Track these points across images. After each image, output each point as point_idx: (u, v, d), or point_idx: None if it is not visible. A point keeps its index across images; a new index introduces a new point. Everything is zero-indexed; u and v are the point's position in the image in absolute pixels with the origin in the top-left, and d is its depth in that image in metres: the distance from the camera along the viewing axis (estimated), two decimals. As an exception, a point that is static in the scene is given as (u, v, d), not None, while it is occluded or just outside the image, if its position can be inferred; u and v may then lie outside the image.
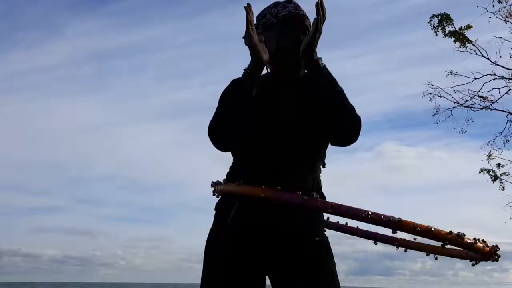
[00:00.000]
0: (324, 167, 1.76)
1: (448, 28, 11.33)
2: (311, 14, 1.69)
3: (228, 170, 1.76)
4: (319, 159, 1.75)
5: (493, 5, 11.19)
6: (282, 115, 1.68)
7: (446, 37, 11.39)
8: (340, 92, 1.65)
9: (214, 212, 1.75)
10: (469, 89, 11.97)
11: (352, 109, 1.66)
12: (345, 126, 1.65)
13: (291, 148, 1.66)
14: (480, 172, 12.28)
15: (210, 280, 1.66)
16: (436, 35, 11.37)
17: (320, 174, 1.76)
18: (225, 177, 1.74)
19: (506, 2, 11.22)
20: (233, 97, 1.64)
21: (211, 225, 1.74)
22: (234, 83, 1.66)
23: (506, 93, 11.81)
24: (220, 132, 1.66)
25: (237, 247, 1.64)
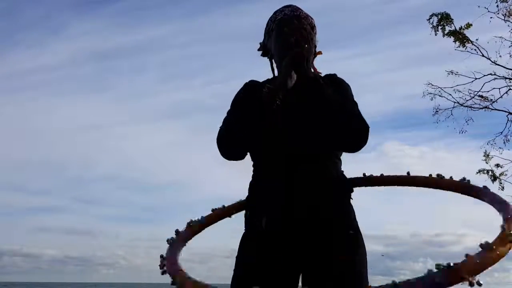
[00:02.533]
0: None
1: (448, 28, 11.33)
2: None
3: (248, 186, 1.78)
4: (334, 154, 1.76)
5: (497, 5, 11.18)
6: (291, 117, 1.69)
7: (446, 37, 11.38)
8: (341, 109, 1.65)
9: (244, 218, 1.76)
10: (469, 89, 11.97)
11: (356, 124, 1.66)
12: (349, 139, 1.67)
13: (305, 147, 1.68)
14: (477, 173, 12.27)
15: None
16: (436, 35, 11.37)
17: (341, 168, 1.78)
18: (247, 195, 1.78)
19: (507, 2, 11.22)
20: (250, 112, 1.65)
21: (244, 232, 1.74)
22: (253, 99, 1.66)
23: (506, 92, 11.81)
24: (232, 144, 1.69)
25: (268, 251, 1.64)
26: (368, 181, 1.85)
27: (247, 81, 1.86)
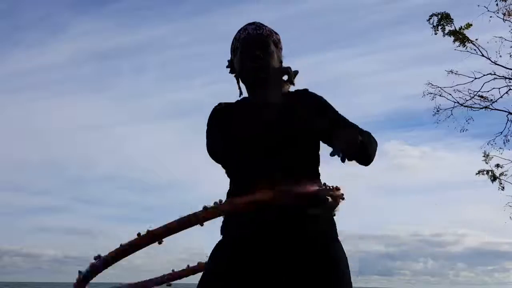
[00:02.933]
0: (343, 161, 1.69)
1: (448, 28, 11.34)
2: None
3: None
4: (314, 166, 1.74)
5: (497, 4, 11.18)
6: (266, 132, 1.67)
7: (446, 36, 11.39)
8: (371, 144, 1.67)
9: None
10: (469, 89, 11.98)
11: (375, 149, 1.69)
12: (362, 161, 1.68)
13: (282, 163, 1.64)
14: (477, 174, 12.30)
15: None
16: (436, 34, 11.37)
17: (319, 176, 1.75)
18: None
19: (505, 1, 11.22)
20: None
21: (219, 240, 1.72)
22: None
23: (506, 92, 11.82)
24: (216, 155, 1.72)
25: (239, 259, 1.62)
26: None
27: (216, 105, 1.83)
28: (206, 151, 1.73)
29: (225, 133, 1.71)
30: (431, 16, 11.34)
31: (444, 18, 11.22)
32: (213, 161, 1.72)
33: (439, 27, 11.28)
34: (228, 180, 1.77)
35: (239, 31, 1.83)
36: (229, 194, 1.74)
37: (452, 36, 11.32)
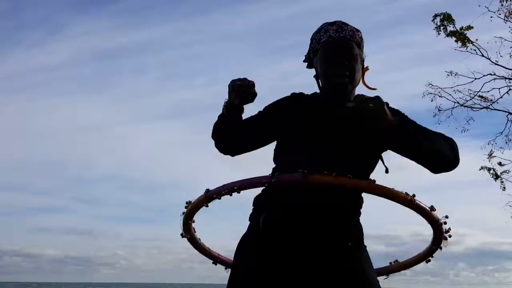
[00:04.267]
0: (387, 172, 1.72)
1: (450, 28, 11.32)
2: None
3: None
4: (369, 173, 1.73)
5: (502, 4, 11.15)
6: (334, 134, 1.67)
7: (448, 37, 11.37)
8: (425, 139, 1.61)
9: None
10: (469, 89, 11.95)
11: (442, 148, 1.63)
12: (441, 166, 1.67)
13: (342, 164, 1.61)
14: (480, 170, 12.24)
15: None
16: (439, 34, 11.36)
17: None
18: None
19: (506, 1, 11.21)
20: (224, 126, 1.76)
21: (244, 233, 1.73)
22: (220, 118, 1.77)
23: (507, 93, 11.80)
24: (234, 141, 1.77)
25: (266, 258, 1.61)
26: None
27: (295, 92, 1.81)
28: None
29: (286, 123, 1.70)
30: (435, 16, 11.32)
31: (446, 19, 11.21)
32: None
33: (441, 27, 11.27)
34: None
35: (319, 31, 1.76)
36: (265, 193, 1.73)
37: (453, 36, 11.30)
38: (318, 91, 1.81)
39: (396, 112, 1.69)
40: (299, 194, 1.60)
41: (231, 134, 1.74)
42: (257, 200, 1.75)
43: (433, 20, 11.30)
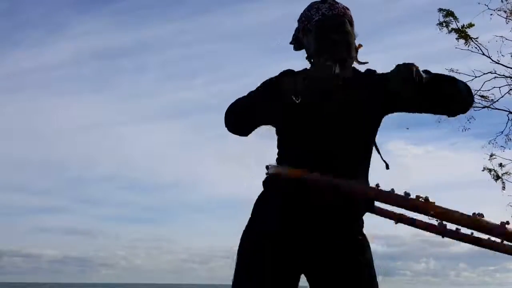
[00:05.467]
0: (387, 168, 1.73)
1: (452, 26, 11.31)
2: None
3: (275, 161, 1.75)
4: (369, 152, 1.72)
5: (502, 1, 11.12)
6: (331, 107, 1.65)
7: (448, 35, 11.35)
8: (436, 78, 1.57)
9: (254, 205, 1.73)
10: (469, 88, 11.92)
11: (456, 90, 1.59)
12: (456, 107, 1.64)
13: (341, 139, 1.65)
14: (483, 170, 12.21)
15: (241, 276, 1.64)
16: (441, 30, 11.34)
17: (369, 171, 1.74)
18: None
19: (507, 1, 11.19)
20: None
21: (248, 220, 1.71)
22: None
23: (508, 92, 11.78)
24: (246, 118, 1.70)
25: (274, 244, 1.62)
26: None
27: (284, 70, 1.72)
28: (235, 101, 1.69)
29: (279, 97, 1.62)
30: (440, 10, 11.29)
31: (449, 15, 11.20)
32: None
33: (444, 23, 11.25)
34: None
35: (310, 10, 1.73)
36: (279, 160, 1.73)
37: (456, 33, 11.28)
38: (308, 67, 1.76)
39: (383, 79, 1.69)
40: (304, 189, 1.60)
41: (253, 115, 1.69)
42: (261, 197, 1.74)
43: (439, 12, 11.27)
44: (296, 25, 1.81)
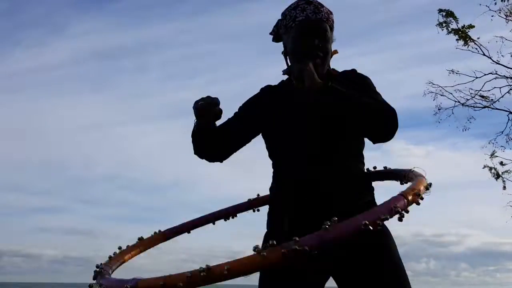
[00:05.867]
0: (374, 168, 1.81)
1: (452, 26, 11.31)
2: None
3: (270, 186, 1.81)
4: (353, 156, 1.74)
5: (495, 3, 11.16)
6: (307, 118, 1.70)
7: (448, 35, 11.36)
8: (360, 104, 1.60)
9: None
10: (470, 88, 11.95)
11: (381, 113, 1.62)
12: (379, 131, 1.66)
13: (329, 140, 1.68)
14: (484, 168, 12.21)
15: (266, 278, 1.66)
16: (441, 30, 11.34)
17: (363, 168, 1.77)
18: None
19: (508, 0, 11.19)
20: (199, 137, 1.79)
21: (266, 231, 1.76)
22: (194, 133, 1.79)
23: (508, 92, 11.78)
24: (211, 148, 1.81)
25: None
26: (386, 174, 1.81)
27: (263, 87, 1.86)
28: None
29: (260, 117, 1.77)
30: (439, 11, 11.30)
31: (449, 15, 11.20)
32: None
33: (444, 24, 11.26)
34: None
35: (294, 8, 1.74)
36: (272, 188, 1.80)
37: (455, 34, 11.29)
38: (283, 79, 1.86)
39: (361, 78, 1.76)
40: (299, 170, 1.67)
41: (212, 145, 1.79)
42: (273, 203, 1.79)
43: (439, 13, 11.28)
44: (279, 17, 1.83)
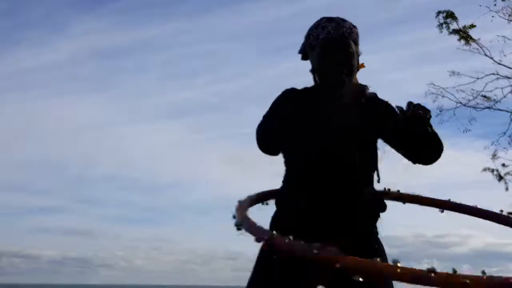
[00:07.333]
0: (379, 181, 1.81)
1: (453, 26, 11.29)
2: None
3: (281, 184, 1.81)
4: (372, 170, 1.77)
5: (495, 4, 11.14)
6: (334, 126, 1.72)
7: (449, 36, 11.34)
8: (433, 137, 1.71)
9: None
10: (472, 89, 11.92)
11: (438, 144, 1.72)
12: (430, 158, 1.76)
13: (344, 157, 1.69)
14: (484, 171, 12.19)
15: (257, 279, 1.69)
16: (441, 32, 11.32)
17: (374, 187, 1.80)
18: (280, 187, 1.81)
19: (504, 0, 11.17)
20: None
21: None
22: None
23: (510, 92, 11.75)
24: (269, 146, 1.78)
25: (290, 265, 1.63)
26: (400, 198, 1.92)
27: (287, 88, 1.85)
28: (257, 128, 1.76)
29: (294, 119, 1.74)
30: (438, 13, 11.28)
31: (449, 16, 11.18)
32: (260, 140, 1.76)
33: (444, 25, 11.24)
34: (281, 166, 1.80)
35: (317, 27, 1.76)
36: (285, 184, 1.79)
37: (456, 34, 11.27)
38: (309, 85, 1.85)
39: (385, 105, 1.80)
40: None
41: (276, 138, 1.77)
42: (279, 213, 1.80)
43: (436, 17, 11.27)
44: (303, 38, 1.84)
